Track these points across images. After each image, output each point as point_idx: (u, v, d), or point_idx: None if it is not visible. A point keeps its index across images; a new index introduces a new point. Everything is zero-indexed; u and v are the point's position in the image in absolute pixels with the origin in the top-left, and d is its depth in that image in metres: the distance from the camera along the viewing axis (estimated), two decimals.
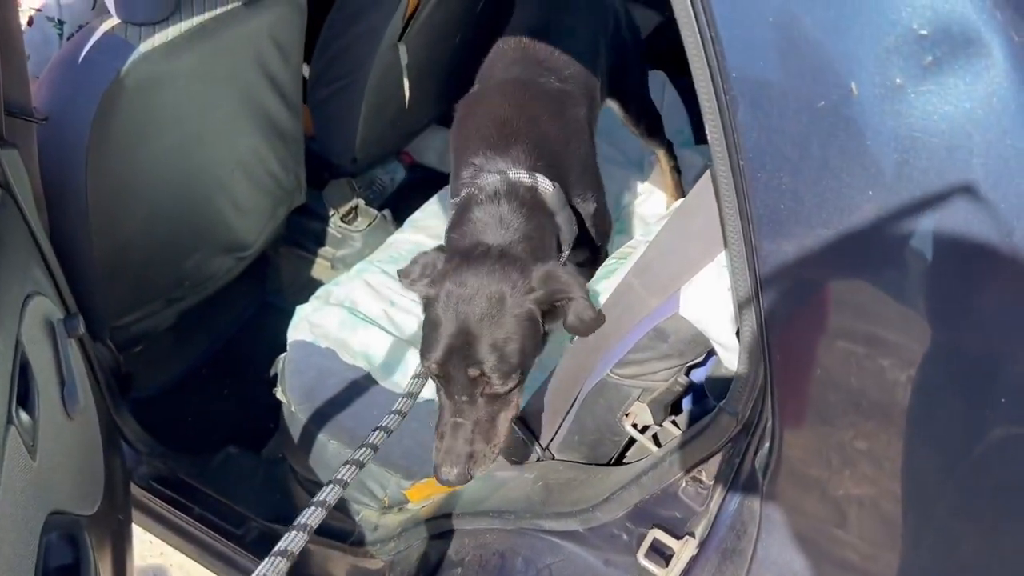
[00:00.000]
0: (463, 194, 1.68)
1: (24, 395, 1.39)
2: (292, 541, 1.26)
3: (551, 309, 1.51)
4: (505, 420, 1.51)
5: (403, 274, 1.58)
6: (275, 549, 1.25)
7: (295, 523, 1.29)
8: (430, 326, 1.50)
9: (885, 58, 0.84)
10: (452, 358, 1.46)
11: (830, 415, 1.00)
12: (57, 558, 1.37)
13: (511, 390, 1.50)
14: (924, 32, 0.82)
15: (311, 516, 1.31)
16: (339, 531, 2.02)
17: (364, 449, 1.44)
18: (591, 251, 1.98)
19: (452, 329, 1.46)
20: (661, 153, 2.61)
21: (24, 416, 1.34)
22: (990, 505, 0.97)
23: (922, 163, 0.85)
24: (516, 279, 1.49)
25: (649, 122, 2.52)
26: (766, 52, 0.90)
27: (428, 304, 1.53)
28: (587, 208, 1.89)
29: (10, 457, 1.26)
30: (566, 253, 1.76)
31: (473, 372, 1.45)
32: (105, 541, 1.71)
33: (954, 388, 0.95)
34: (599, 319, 1.48)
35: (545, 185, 1.69)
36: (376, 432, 1.48)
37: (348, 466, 1.40)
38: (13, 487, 1.25)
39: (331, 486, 1.36)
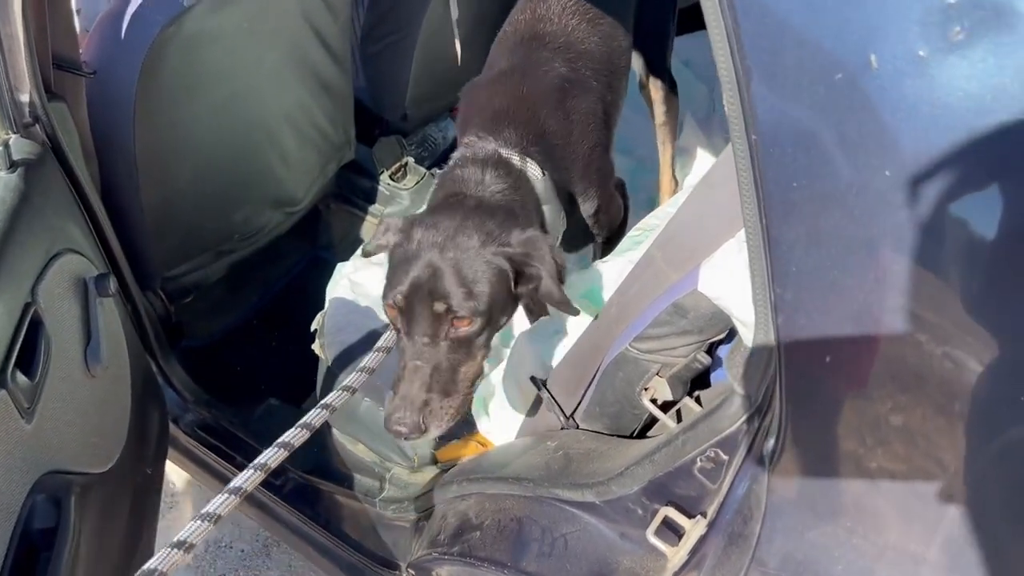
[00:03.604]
0: (449, 163, 1.67)
1: (31, 356, 1.41)
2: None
3: (523, 274, 1.48)
4: (467, 376, 1.48)
5: (369, 247, 1.59)
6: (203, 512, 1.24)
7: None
8: (395, 266, 1.47)
9: (908, 29, 0.78)
10: (417, 293, 1.42)
11: (837, 405, 0.95)
12: (43, 520, 1.40)
13: (476, 337, 1.46)
14: (951, 1, 0.76)
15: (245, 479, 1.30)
16: (371, 488, 2.05)
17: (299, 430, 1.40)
18: (605, 238, 1.95)
19: (420, 264, 1.43)
20: (667, 154, 2.45)
21: (21, 378, 1.36)
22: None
23: (944, 141, 0.80)
24: (493, 230, 1.46)
25: (668, 104, 2.39)
26: (783, 21, 0.84)
27: (395, 247, 1.49)
28: (590, 203, 1.84)
29: None
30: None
31: (439, 307, 1.42)
32: (121, 495, 1.75)
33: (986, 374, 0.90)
34: (565, 303, 1.47)
35: (534, 171, 1.65)
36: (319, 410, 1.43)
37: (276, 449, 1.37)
38: None
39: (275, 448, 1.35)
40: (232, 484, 1.29)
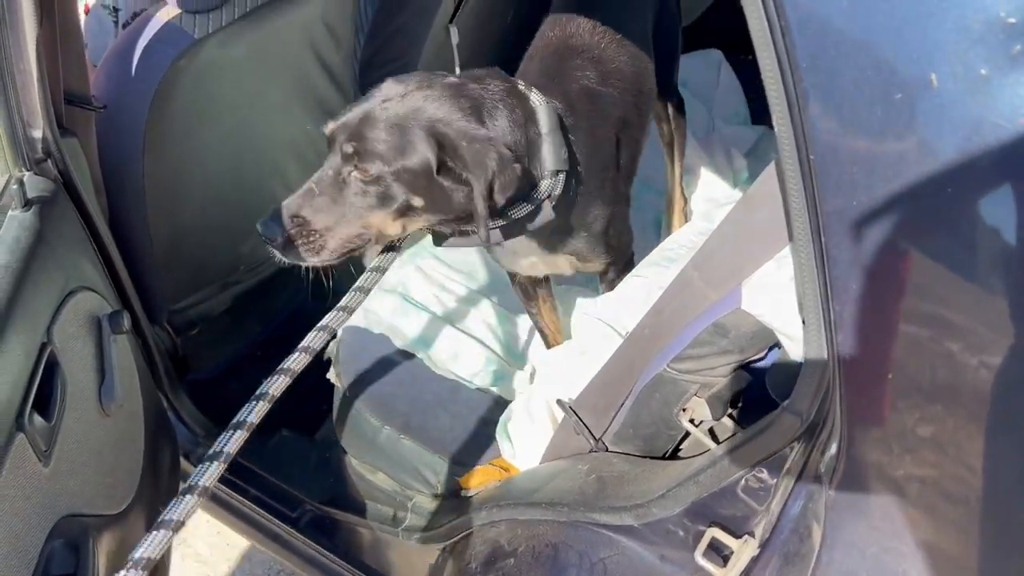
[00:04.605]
0: None
1: (46, 397, 1.39)
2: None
3: (448, 167, 1.46)
4: (347, 229, 1.48)
5: None
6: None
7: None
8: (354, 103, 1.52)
9: (968, 48, 0.80)
10: (343, 129, 1.47)
11: (904, 417, 0.96)
12: (61, 566, 1.36)
13: (374, 197, 1.47)
14: (1013, 20, 0.77)
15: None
16: (393, 517, 2.03)
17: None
18: (611, 264, 1.91)
19: (362, 106, 1.47)
20: (676, 173, 2.45)
21: (39, 420, 1.34)
22: None
23: (1007, 160, 0.81)
24: (445, 107, 1.45)
25: (677, 121, 2.39)
26: (839, 41, 0.85)
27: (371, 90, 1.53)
28: (599, 223, 1.80)
29: (13, 465, 1.26)
30: (546, 186, 1.58)
31: (347, 148, 1.45)
32: (135, 535, 1.71)
33: None
34: (482, 230, 1.46)
35: (538, 97, 1.59)
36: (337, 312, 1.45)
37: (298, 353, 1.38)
38: (12, 496, 1.25)
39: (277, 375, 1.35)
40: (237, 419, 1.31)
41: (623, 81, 1.90)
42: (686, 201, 2.45)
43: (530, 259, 1.86)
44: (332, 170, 1.49)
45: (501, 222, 1.58)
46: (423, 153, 1.45)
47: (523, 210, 1.58)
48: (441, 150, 1.45)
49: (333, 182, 1.49)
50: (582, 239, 1.81)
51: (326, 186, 1.49)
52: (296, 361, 1.38)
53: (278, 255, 1.52)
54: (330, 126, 1.51)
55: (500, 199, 1.47)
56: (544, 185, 1.59)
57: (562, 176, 1.60)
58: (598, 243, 1.84)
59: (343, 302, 1.47)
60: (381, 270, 1.53)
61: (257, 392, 1.34)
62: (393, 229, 1.54)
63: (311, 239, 1.48)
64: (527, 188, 1.57)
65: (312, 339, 1.40)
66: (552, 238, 1.78)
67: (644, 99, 2.00)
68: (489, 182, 1.44)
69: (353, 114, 1.49)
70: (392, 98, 1.49)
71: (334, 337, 2.11)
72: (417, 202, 1.51)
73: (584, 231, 1.80)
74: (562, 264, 1.88)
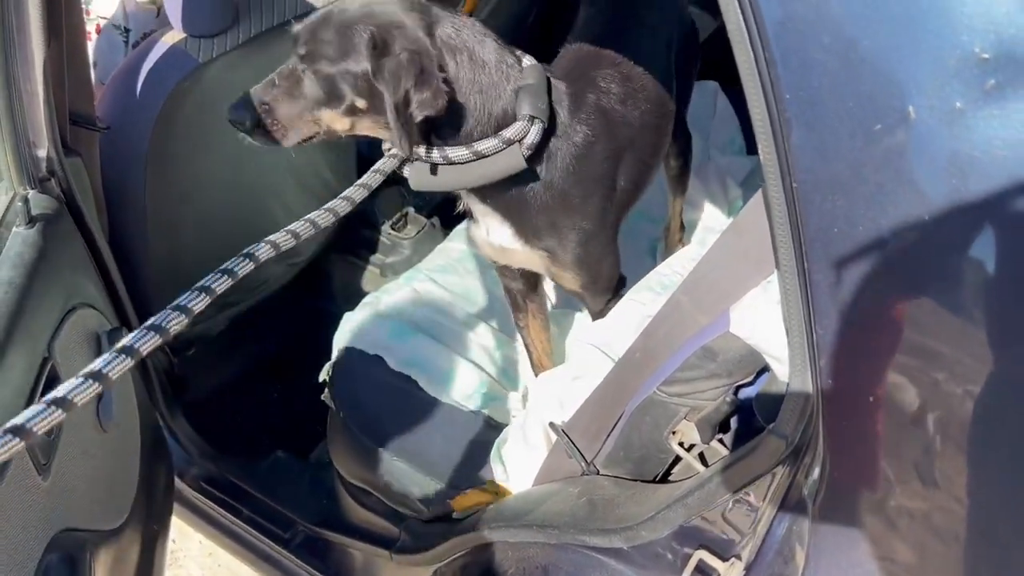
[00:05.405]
0: None
1: None
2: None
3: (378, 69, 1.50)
4: (300, 121, 1.58)
5: None
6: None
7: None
8: None
9: (944, 82, 0.83)
10: (305, 29, 1.55)
11: (883, 441, 0.98)
12: None
13: (313, 97, 1.55)
14: (986, 56, 0.80)
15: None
16: (383, 538, 2.03)
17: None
18: (586, 289, 1.90)
19: (327, 7, 1.55)
20: (677, 205, 2.47)
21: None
22: None
23: (981, 189, 0.83)
24: (396, 20, 1.50)
25: (684, 157, 2.39)
26: (822, 74, 0.88)
27: None
28: (575, 233, 1.78)
29: (14, 477, 1.27)
30: (518, 128, 1.57)
31: (301, 49, 1.54)
32: (130, 552, 1.72)
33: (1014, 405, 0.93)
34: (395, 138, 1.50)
35: (529, 59, 1.61)
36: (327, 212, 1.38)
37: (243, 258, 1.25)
38: (12, 507, 1.26)
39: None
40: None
41: (648, 103, 1.85)
42: (683, 231, 2.48)
43: (502, 244, 1.82)
44: (291, 65, 1.58)
45: (463, 151, 1.58)
46: (363, 56, 1.51)
47: (489, 144, 1.57)
48: (379, 56, 1.50)
49: (290, 76, 1.58)
50: (555, 239, 1.78)
51: (284, 79, 1.59)
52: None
53: (248, 139, 1.62)
54: (296, 26, 1.58)
55: (418, 114, 1.50)
56: (516, 126, 1.58)
57: (538, 125, 1.59)
58: (572, 253, 1.80)
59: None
60: (315, 223, 1.38)
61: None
62: (341, 125, 1.62)
63: (274, 126, 1.59)
64: (492, 125, 1.59)
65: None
66: (525, 225, 1.76)
67: (665, 123, 1.96)
68: (405, 94, 1.48)
69: (317, 14, 1.56)
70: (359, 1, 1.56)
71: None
72: (361, 103, 1.56)
73: (557, 233, 1.77)
74: (536, 261, 1.85)
